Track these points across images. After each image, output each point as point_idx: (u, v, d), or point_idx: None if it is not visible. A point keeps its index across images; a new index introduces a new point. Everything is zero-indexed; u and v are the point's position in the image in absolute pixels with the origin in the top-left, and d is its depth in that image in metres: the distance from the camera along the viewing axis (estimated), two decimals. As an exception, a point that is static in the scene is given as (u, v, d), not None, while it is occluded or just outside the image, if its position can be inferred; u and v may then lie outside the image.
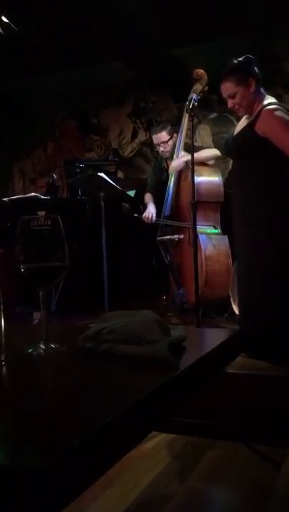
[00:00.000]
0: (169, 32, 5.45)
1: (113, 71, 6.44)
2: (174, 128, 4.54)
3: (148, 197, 4.74)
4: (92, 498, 2.00)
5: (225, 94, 3.00)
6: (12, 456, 0.60)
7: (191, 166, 3.57)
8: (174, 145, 4.45)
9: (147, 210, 4.59)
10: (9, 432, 0.68)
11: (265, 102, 2.92)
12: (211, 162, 4.45)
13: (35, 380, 0.97)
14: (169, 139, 4.48)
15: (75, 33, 5.36)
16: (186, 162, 4.13)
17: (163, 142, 4.49)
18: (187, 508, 2.02)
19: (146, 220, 4.54)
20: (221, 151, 4.46)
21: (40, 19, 5.18)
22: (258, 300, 2.95)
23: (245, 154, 3.00)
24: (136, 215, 4.62)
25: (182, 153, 4.35)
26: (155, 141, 4.59)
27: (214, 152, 4.39)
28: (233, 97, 2.96)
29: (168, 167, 4.56)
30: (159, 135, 4.52)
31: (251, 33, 5.30)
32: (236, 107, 2.99)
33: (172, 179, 4.39)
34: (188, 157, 3.81)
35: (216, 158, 4.50)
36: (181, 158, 4.30)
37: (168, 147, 4.49)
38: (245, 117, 3.06)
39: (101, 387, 0.88)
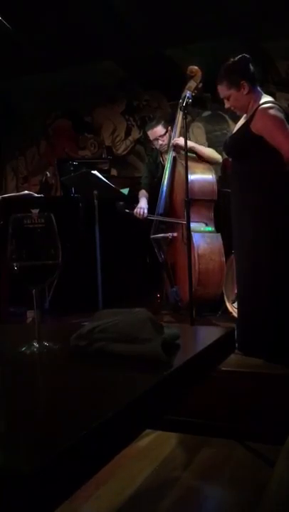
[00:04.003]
0: (160, 31, 5.46)
1: (106, 70, 6.43)
2: (168, 123, 4.55)
3: (141, 193, 4.72)
4: (85, 497, 2.00)
5: (221, 96, 3.02)
6: (4, 457, 0.59)
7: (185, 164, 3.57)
8: (170, 139, 4.44)
9: (138, 206, 4.54)
10: (1, 433, 0.68)
11: (261, 101, 2.92)
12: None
13: (28, 379, 0.96)
14: (165, 133, 4.49)
15: (68, 33, 5.35)
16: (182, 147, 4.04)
17: (160, 136, 4.49)
18: (182, 506, 2.02)
19: (137, 216, 4.50)
20: (215, 150, 4.48)
21: (33, 20, 5.17)
22: (254, 299, 2.95)
23: (242, 154, 3.00)
24: (127, 210, 4.57)
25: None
26: (152, 137, 4.58)
27: (216, 156, 4.39)
28: (228, 98, 2.98)
29: (164, 161, 4.56)
30: (155, 129, 4.51)
31: (243, 32, 5.31)
32: (232, 108, 3.02)
33: (166, 176, 4.38)
34: (190, 144, 3.73)
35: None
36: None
37: (166, 140, 4.50)
38: (243, 116, 3.06)
39: (94, 386, 0.88)
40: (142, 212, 4.48)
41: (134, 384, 0.86)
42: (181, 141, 4.20)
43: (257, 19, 5.16)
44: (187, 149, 3.63)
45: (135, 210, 4.51)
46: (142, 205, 4.55)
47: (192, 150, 4.15)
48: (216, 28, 5.26)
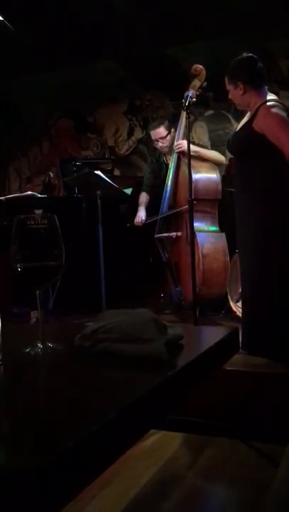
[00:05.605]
0: (161, 31, 5.46)
1: (107, 70, 6.44)
2: (171, 124, 4.55)
3: (142, 197, 4.77)
4: (90, 497, 2.00)
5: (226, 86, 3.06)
6: (8, 456, 0.59)
7: (187, 161, 3.57)
8: (173, 140, 4.44)
9: (137, 215, 4.71)
10: (6, 433, 0.68)
11: (264, 99, 2.91)
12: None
13: (33, 379, 0.96)
14: (167, 134, 4.49)
15: (68, 33, 5.35)
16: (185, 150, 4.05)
17: (161, 138, 4.51)
18: (186, 506, 2.02)
19: (137, 225, 4.68)
20: (217, 149, 4.48)
21: (33, 20, 5.17)
22: (258, 298, 2.95)
23: (244, 152, 2.99)
24: (128, 225, 4.76)
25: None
26: (153, 137, 4.59)
27: (220, 158, 4.40)
28: (229, 91, 3.02)
29: (167, 160, 4.57)
30: (157, 130, 4.53)
31: (243, 32, 5.30)
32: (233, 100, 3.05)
33: (170, 176, 4.38)
34: (193, 148, 3.76)
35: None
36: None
37: (166, 142, 4.50)
38: (247, 115, 3.06)
39: (98, 386, 0.88)
40: (139, 221, 4.67)
41: (138, 384, 0.86)
42: (184, 146, 4.18)
43: (257, 19, 5.15)
44: (190, 152, 3.62)
45: (134, 220, 4.70)
46: (140, 214, 4.71)
47: (196, 154, 4.15)
48: (216, 27, 5.26)
